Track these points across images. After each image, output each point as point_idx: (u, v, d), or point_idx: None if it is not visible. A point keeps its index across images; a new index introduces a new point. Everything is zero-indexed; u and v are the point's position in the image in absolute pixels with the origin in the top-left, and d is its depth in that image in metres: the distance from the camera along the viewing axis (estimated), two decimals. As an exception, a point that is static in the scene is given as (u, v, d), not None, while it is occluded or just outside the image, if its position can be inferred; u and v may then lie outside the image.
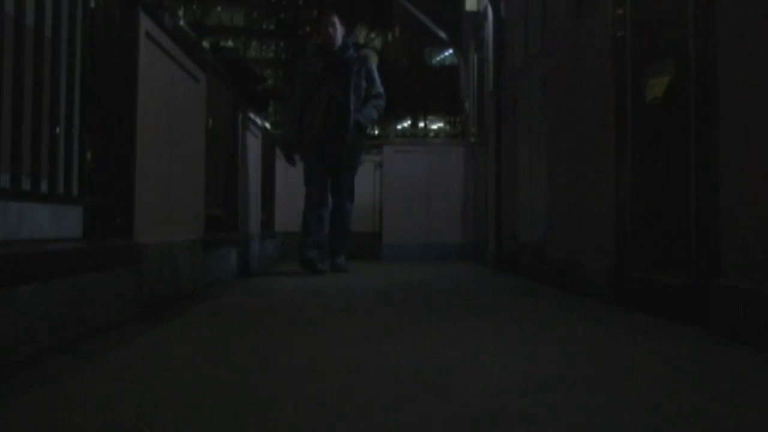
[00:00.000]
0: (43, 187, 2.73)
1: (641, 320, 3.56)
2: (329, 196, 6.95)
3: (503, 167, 7.56)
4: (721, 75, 3.12)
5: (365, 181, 9.08)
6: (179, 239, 4.31)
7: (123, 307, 3.27)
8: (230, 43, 13.72)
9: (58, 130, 2.87)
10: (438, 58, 12.17)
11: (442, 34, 10.68)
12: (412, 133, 11.29)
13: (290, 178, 8.91)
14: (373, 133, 10.27)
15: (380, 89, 6.95)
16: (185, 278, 4.40)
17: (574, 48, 5.13)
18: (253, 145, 7.24)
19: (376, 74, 6.93)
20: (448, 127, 12.18)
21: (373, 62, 7.00)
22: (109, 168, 3.30)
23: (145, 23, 3.59)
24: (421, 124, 11.89)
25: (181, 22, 4.51)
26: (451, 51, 11.51)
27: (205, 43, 11.50)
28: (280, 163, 8.56)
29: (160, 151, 3.98)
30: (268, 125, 8.56)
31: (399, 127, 12.10)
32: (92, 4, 3.19)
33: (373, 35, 28.04)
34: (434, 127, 12.36)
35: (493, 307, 4.29)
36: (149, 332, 3.03)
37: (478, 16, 9.05)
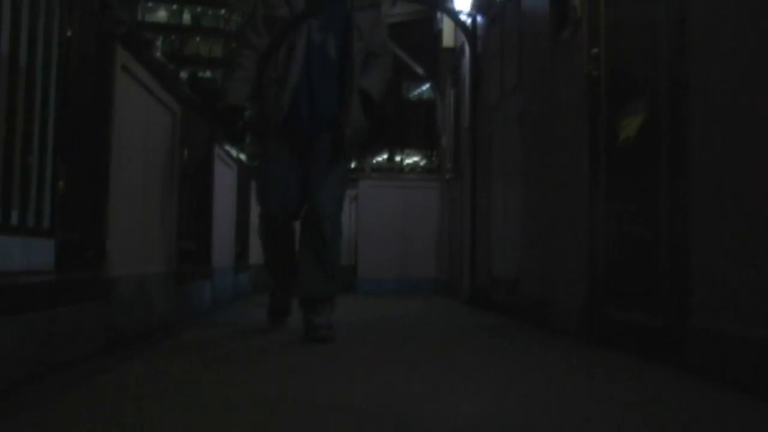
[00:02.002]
0: (14, 218, 2.70)
1: (613, 359, 3.56)
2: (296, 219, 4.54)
3: (478, 203, 7.59)
4: (691, 116, 3.16)
5: (341, 214, 9.06)
6: (151, 272, 4.28)
7: (92, 341, 3.23)
8: (208, 74, 13.69)
9: (30, 161, 2.85)
10: (415, 92, 12.26)
11: (419, 70, 10.75)
12: (389, 168, 11.29)
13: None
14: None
15: (387, 46, 4.65)
16: (157, 311, 4.36)
17: (549, 86, 5.17)
18: (228, 177, 7.22)
19: (384, 26, 4.75)
20: (424, 161, 12.19)
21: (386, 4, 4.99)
22: (81, 200, 3.27)
23: (122, 56, 3.59)
24: (398, 158, 11.93)
25: (158, 54, 4.51)
26: (428, 85, 11.57)
27: (183, 74, 11.50)
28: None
29: (134, 183, 3.96)
30: (243, 157, 8.56)
31: (375, 160, 12.10)
32: (68, 34, 3.18)
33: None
34: (411, 161, 12.38)
35: (465, 345, 4.28)
36: (113, 369, 2.99)
37: (455, 52, 9.12)
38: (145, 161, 4.17)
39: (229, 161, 7.20)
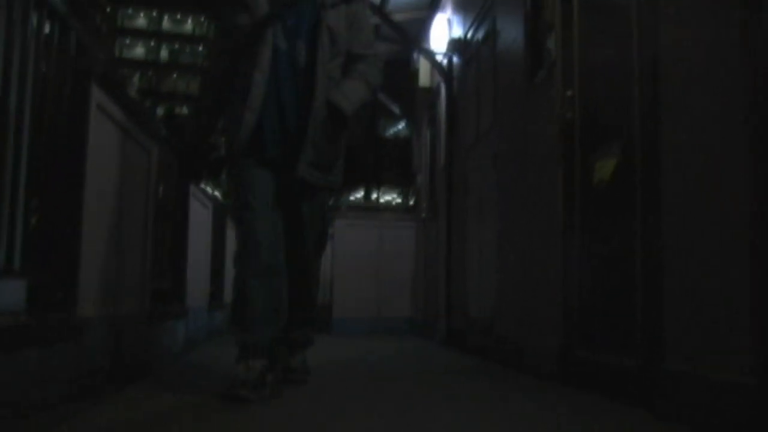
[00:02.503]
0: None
1: (587, 401, 3.55)
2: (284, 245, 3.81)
3: (454, 243, 7.59)
4: (665, 160, 3.18)
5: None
6: (124, 312, 4.23)
7: (61, 384, 3.18)
8: (185, 110, 13.69)
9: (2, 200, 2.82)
10: (392, 130, 12.30)
11: (396, 109, 10.80)
12: (365, 207, 11.29)
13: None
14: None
15: (373, 47, 4.03)
16: (128, 352, 4.31)
17: (524, 127, 5.21)
18: (203, 216, 7.19)
19: (367, 21, 4.07)
20: (401, 199, 12.20)
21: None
22: (53, 241, 3.24)
23: (97, 95, 3.57)
24: (374, 195, 11.94)
25: (135, 90, 4.50)
26: (405, 123, 11.62)
27: (160, 110, 11.49)
28: (232, 233, 8.51)
29: (108, 223, 3.93)
30: (219, 195, 8.53)
31: (352, 198, 12.11)
32: (43, 72, 3.16)
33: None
34: (387, 198, 12.40)
35: (440, 389, 4.25)
36: (82, 414, 2.94)
37: (431, 92, 9.17)
38: (119, 200, 4.14)
39: (204, 200, 7.17)
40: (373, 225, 10.05)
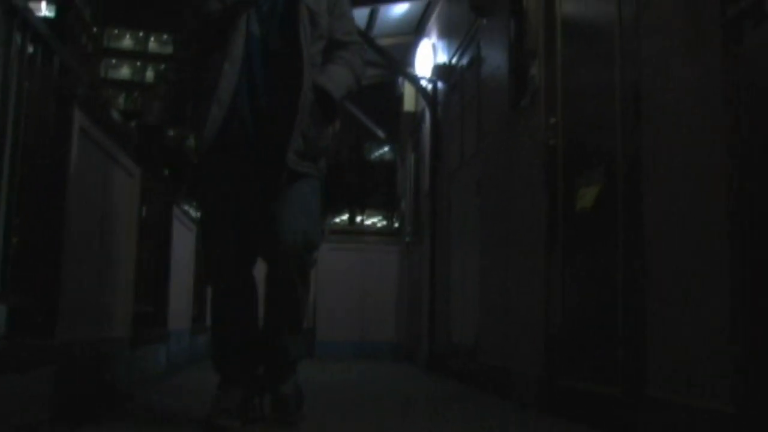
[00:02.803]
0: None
1: (569, 430, 3.54)
2: (255, 264, 3.54)
3: (437, 268, 7.60)
4: (647, 188, 3.20)
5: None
6: (105, 336, 4.21)
7: (41, 409, 3.15)
8: (171, 132, 13.56)
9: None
10: (377, 153, 12.33)
11: (380, 133, 10.84)
12: (349, 230, 11.28)
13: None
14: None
15: (355, 34, 3.72)
16: (110, 377, 4.28)
17: (508, 153, 5.23)
18: (187, 237, 7.17)
19: (349, 8, 3.71)
20: (385, 222, 12.22)
21: None
22: (34, 265, 3.22)
23: (80, 119, 3.57)
24: (359, 218, 11.95)
25: (119, 112, 4.49)
26: (389, 147, 11.65)
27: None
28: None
29: (90, 246, 3.91)
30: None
31: (337, 220, 12.13)
32: (26, 94, 3.16)
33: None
34: (372, 221, 12.41)
35: (419, 416, 4.24)
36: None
37: (416, 116, 9.21)
38: (101, 223, 4.13)
39: (187, 222, 7.15)
40: (357, 249, 10.05)
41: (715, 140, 2.68)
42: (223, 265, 3.41)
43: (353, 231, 11.31)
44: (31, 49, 3.09)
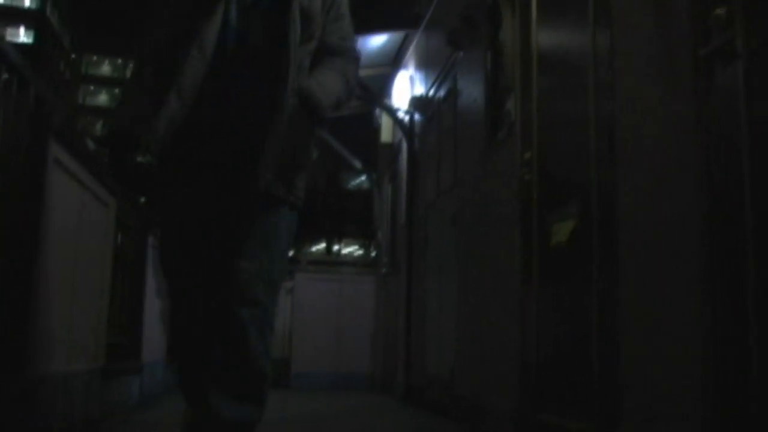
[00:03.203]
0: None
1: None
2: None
3: (413, 299, 7.59)
4: (622, 222, 3.22)
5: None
6: (77, 369, 4.16)
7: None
8: (149, 158, 13.49)
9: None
10: (354, 182, 12.36)
11: (357, 164, 10.85)
12: (325, 261, 11.27)
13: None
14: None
15: (353, 41, 3.08)
16: (81, 410, 4.23)
17: (484, 186, 5.25)
18: (162, 269, 7.12)
19: (347, 9, 3.09)
20: (362, 251, 12.22)
21: None
22: (4, 299, 3.18)
23: (55, 150, 3.55)
24: (336, 247, 11.94)
25: (95, 136, 4.46)
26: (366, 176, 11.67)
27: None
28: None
29: (63, 278, 3.88)
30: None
31: (313, 249, 12.11)
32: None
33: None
34: (349, 250, 12.41)
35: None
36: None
37: (393, 148, 9.23)
38: (75, 255, 4.10)
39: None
40: (334, 279, 10.03)
41: (687, 175, 2.70)
42: (192, 299, 2.73)
43: (330, 261, 11.29)
44: (6, 79, 3.08)
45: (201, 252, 2.73)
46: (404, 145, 8.28)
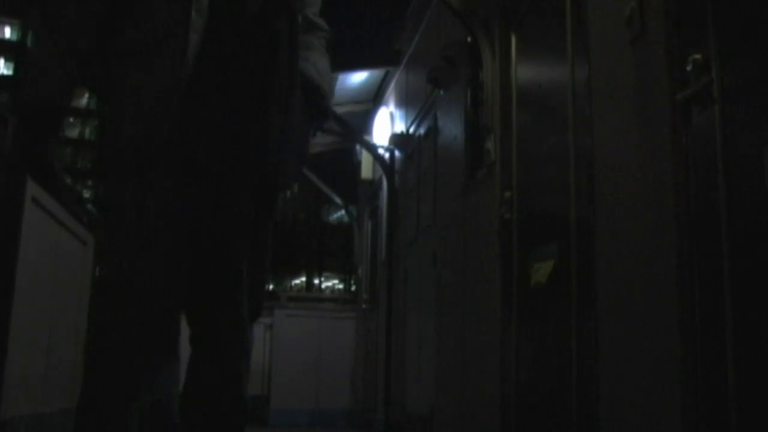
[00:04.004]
0: None
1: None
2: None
3: (393, 336, 7.56)
4: (600, 261, 3.22)
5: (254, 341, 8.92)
6: (53, 409, 4.10)
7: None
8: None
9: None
10: (335, 216, 12.34)
11: (338, 200, 10.85)
12: (305, 297, 11.23)
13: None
14: None
15: (322, 20, 2.64)
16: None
17: (463, 225, 5.25)
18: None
19: None
20: (342, 285, 12.20)
21: None
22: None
23: (32, 188, 3.53)
24: (317, 281, 11.91)
25: (68, 179, 4.43)
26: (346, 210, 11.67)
27: (100, 189, 11.33)
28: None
29: (39, 317, 3.83)
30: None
31: (294, 282, 12.11)
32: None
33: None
34: (329, 284, 12.40)
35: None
36: None
37: (373, 184, 9.24)
38: (52, 294, 4.06)
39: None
40: (314, 315, 9.99)
41: (665, 213, 2.72)
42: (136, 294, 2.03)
43: (310, 297, 11.25)
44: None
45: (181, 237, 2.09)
46: (384, 182, 8.29)
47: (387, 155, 8.16)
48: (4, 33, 6.62)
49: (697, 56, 2.54)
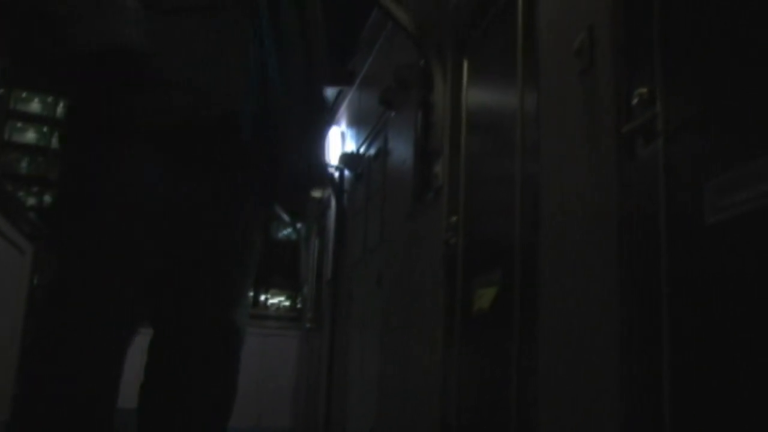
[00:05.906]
0: None
1: None
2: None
3: (336, 356, 7.51)
4: (543, 290, 3.23)
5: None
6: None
7: None
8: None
9: None
10: (284, 232, 12.23)
11: (285, 217, 10.78)
12: (251, 314, 11.12)
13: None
14: None
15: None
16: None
17: (410, 248, 5.25)
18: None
19: None
20: (289, 302, 12.10)
21: None
22: None
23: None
24: (263, 298, 11.77)
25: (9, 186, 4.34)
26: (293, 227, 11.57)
27: (48, 197, 11.10)
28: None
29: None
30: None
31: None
32: None
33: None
34: (275, 300, 12.31)
35: None
36: None
37: (322, 202, 9.22)
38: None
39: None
40: (257, 333, 9.90)
41: (608, 243, 2.73)
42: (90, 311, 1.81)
43: (255, 315, 11.15)
44: None
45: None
46: (333, 201, 8.27)
47: (336, 174, 8.14)
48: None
49: (643, 90, 2.57)
